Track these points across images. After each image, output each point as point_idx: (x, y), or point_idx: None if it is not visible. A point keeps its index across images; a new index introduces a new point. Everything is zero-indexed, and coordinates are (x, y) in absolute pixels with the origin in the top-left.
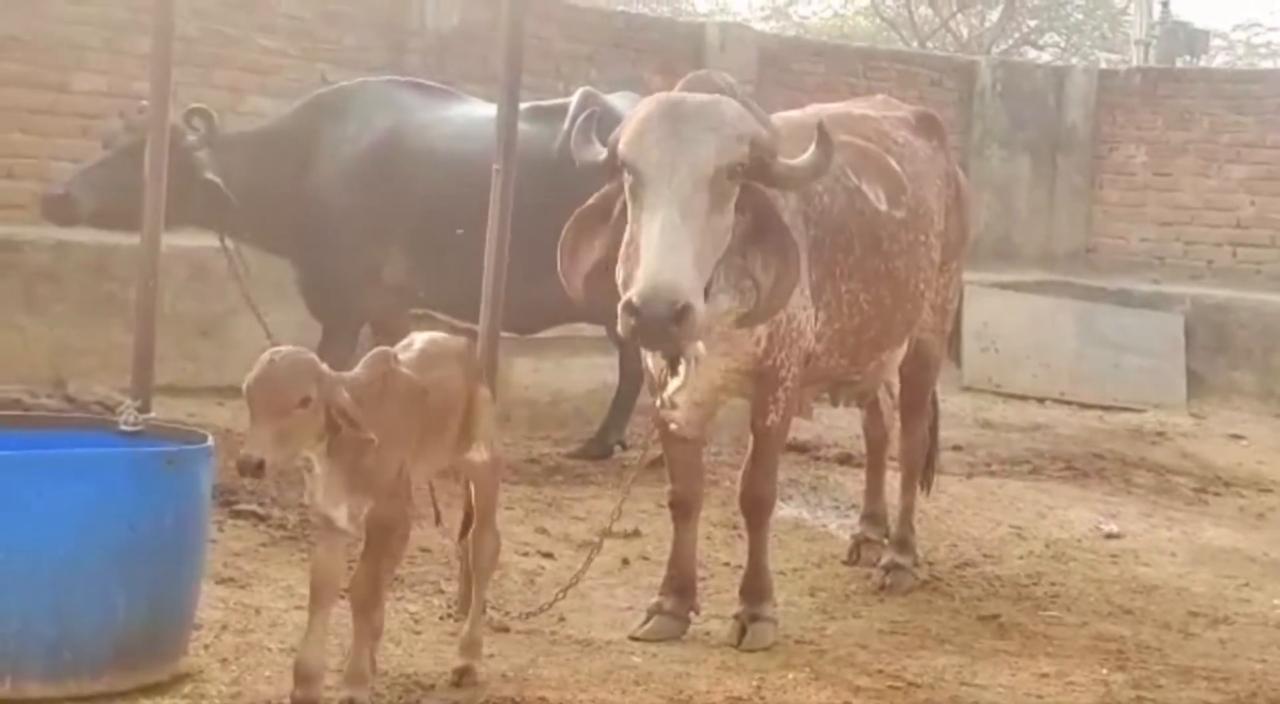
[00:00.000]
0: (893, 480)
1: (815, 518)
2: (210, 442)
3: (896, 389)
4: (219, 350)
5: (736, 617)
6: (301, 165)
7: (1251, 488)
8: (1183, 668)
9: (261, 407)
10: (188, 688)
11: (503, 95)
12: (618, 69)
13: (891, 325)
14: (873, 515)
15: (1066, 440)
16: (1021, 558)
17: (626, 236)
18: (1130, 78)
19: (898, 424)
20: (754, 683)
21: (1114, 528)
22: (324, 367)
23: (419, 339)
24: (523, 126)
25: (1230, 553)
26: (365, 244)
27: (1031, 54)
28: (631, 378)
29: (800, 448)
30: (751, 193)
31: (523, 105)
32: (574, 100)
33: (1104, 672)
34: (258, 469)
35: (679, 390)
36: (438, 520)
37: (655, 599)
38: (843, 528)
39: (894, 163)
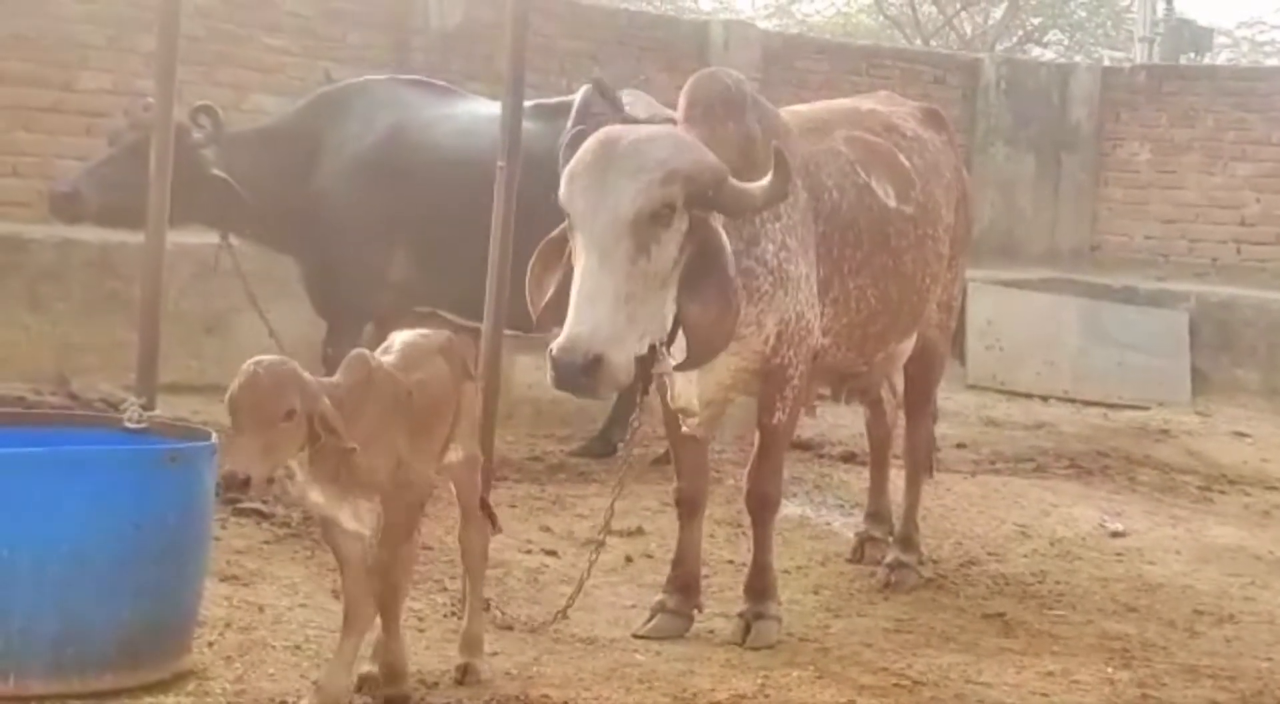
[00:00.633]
0: (896, 478)
1: (819, 516)
2: (214, 439)
3: (900, 387)
4: (223, 348)
5: (740, 615)
6: (305, 163)
7: (1257, 486)
8: (1188, 666)
9: (245, 420)
10: (191, 685)
11: (507, 93)
12: (622, 67)
13: (899, 319)
14: (877, 513)
15: (1071, 438)
16: (1026, 556)
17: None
18: (1134, 75)
19: (901, 422)
20: (758, 681)
21: (1119, 526)
22: (306, 376)
23: (399, 339)
24: (526, 125)
25: (1235, 551)
26: (369, 241)
27: (1035, 51)
28: None
29: (804, 446)
30: (698, 227)
31: (526, 103)
32: (578, 96)
33: (1109, 670)
34: (243, 485)
35: (688, 399)
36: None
37: (659, 597)
38: (847, 526)
39: (903, 158)
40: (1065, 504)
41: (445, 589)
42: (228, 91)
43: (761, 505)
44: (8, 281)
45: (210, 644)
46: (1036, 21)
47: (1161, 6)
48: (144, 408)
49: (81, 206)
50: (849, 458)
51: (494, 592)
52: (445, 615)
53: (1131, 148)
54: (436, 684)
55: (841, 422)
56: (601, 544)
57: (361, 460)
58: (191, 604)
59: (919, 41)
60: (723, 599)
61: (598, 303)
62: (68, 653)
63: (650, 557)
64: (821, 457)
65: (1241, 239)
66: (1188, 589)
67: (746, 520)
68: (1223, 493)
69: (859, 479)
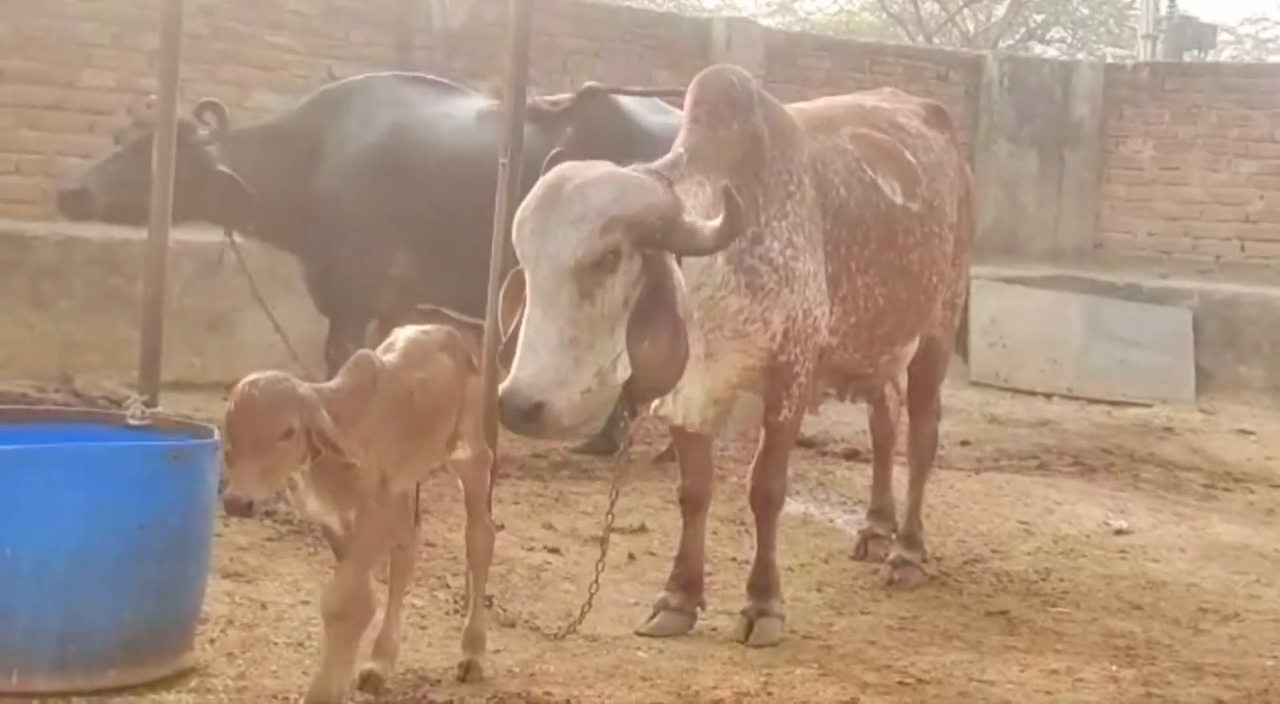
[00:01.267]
0: (900, 476)
1: (822, 513)
2: (217, 437)
3: (903, 385)
4: (226, 345)
5: (744, 612)
6: (307, 161)
7: (1261, 483)
8: (1193, 664)
9: (243, 442)
10: (194, 682)
11: (509, 91)
12: (625, 65)
13: (906, 319)
14: (880, 511)
15: (1074, 436)
16: (1030, 553)
17: None
18: (1137, 72)
19: (905, 419)
20: (761, 679)
21: (1123, 523)
22: (303, 389)
23: (401, 336)
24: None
25: (1240, 548)
26: (371, 239)
27: (1038, 49)
28: None
29: (807, 443)
30: (651, 264)
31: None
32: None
33: (1113, 668)
34: (246, 509)
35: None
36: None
37: (662, 595)
38: (850, 523)
39: (909, 155)
40: (1069, 502)
41: (447, 586)
42: (231, 89)
43: (765, 503)
44: (11, 279)
45: (212, 641)
46: (1039, 18)
47: (1164, 3)
48: (147, 405)
49: (89, 204)
50: (852, 455)
51: (497, 589)
52: (448, 612)
53: (1135, 145)
54: (439, 681)
55: (845, 419)
56: (606, 544)
57: (361, 466)
58: (194, 601)
59: (921, 39)
60: (726, 597)
61: (539, 350)
62: (71, 650)
63: (653, 554)
64: (825, 454)
65: (1245, 236)
66: (1192, 587)
67: (749, 518)
68: (1227, 490)
69: (862, 476)
